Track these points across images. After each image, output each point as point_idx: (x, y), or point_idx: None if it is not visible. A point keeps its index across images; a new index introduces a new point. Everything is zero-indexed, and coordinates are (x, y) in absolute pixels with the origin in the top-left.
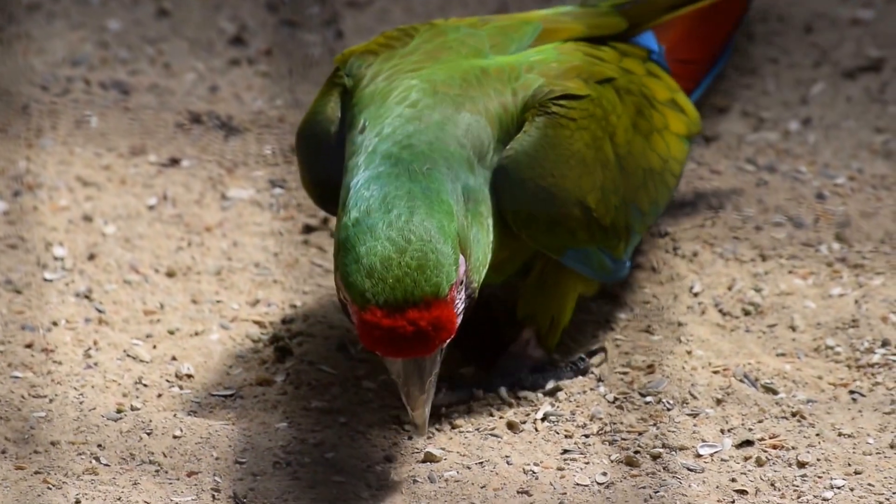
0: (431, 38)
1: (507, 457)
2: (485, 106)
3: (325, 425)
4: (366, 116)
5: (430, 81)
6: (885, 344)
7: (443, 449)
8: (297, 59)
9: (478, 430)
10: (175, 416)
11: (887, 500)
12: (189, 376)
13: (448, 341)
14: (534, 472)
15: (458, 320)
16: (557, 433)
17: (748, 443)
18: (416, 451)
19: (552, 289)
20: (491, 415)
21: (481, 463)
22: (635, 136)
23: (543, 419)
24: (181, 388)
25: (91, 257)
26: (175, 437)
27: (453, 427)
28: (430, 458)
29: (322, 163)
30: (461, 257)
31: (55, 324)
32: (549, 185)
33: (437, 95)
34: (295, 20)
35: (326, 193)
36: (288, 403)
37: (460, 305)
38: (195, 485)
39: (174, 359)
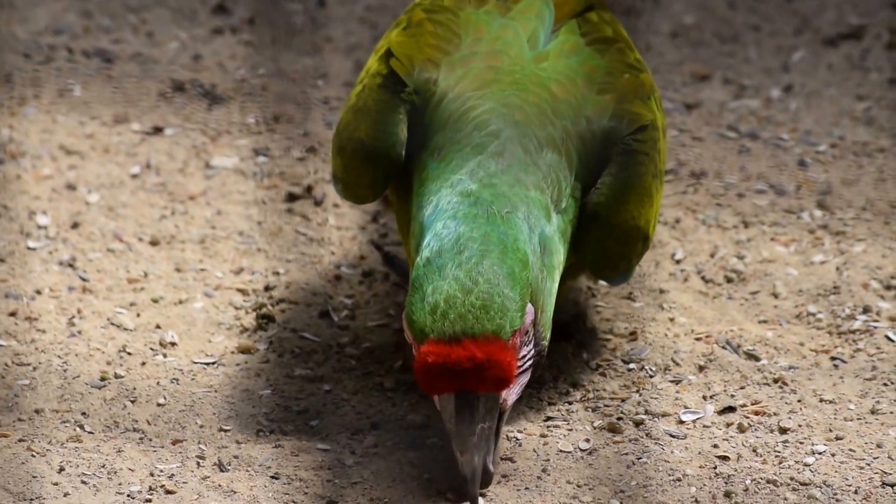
0: (477, 36)
1: None
2: (564, 141)
3: (308, 393)
4: (441, 141)
5: (506, 106)
6: (866, 310)
7: (427, 416)
8: (279, 28)
9: None
10: (159, 383)
11: (868, 465)
12: (173, 344)
13: (506, 392)
14: (517, 439)
15: (522, 374)
16: (540, 400)
17: (730, 409)
18: (400, 418)
19: (564, 286)
20: None
21: None
22: (665, 145)
23: (526, 386)
24: (165, 355)
25: (74, 226)
26: (159, 404)
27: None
28: (414, 426)
29: (386, 182)
30: (529, 306)
31: (39, 292)
32: (630, 227)
33: (518, 128)
34: None
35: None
36: (271, 371)
37: (526, 358)
38: (180, 452)
39: (158, 327)
